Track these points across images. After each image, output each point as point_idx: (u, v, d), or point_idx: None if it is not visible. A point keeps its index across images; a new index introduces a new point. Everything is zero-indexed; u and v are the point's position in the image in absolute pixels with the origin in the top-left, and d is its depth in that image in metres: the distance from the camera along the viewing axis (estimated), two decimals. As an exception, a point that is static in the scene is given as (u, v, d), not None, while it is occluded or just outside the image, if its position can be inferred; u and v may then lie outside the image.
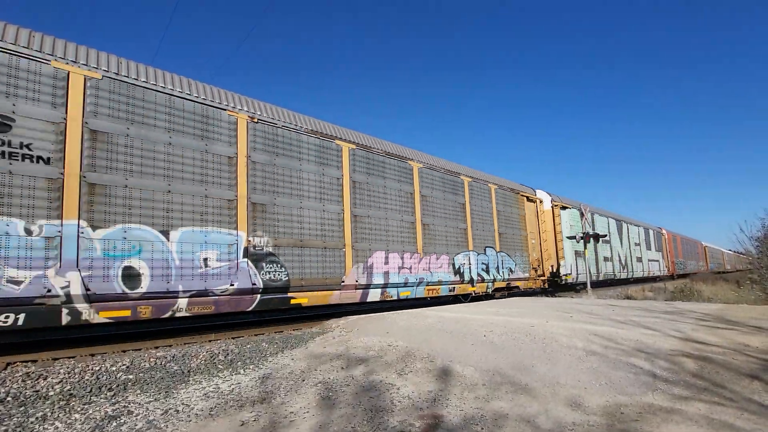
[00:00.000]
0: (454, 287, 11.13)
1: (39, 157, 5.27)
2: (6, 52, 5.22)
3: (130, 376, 4.58)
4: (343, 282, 8.39)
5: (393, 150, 10.38)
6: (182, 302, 6.20)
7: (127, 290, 5.73)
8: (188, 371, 4.80)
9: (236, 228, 6.99)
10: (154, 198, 6.16)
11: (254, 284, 7.06)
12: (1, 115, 5.06)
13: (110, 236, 5.68)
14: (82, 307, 5.36)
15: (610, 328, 5.93)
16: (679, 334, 5.51)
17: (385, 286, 9.22)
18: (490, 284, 12.46)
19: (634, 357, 4.64)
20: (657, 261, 26.55)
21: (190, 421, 3.36)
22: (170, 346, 6.28)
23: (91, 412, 3.56)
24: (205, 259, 6.53)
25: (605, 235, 19.26)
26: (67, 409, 3.61)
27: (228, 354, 5.54)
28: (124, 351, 5.86)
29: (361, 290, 8.73)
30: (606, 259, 20.24)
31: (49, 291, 5.13)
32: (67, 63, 5.70)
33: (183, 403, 3.74)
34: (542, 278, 14.95)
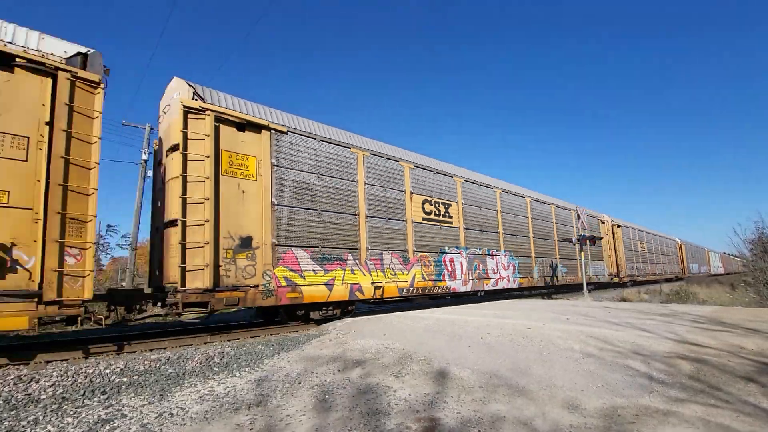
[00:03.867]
0: None
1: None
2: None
3: (124, 379, 4.53)
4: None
5: None
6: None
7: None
8: (183, 374, 4.75)
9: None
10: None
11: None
12: None
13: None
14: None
15: (606, 331, 5.93)
16: (674, 337, 5.52)
17: None
18: None
19: (631, 359, 4.64)
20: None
21: (185, 424, 3.33)
22: (165, 348, 6.23)
23: (84, 415, 3.51)
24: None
25: (601, 238, 19.29)
26: (60, 413, 3.56)
27: (223, 356, 5.50)
28: (118, 353, 5.81)
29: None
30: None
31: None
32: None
33: (178, 407, 3.70)
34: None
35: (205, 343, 6.62)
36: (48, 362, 5.21)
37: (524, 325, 6.52)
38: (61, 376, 4.51)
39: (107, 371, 4.74)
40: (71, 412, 3.58)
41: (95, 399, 3.93)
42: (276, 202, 7.93)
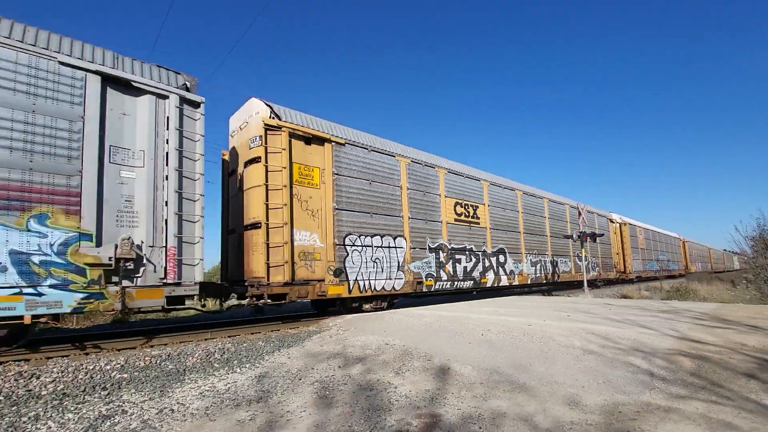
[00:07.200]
0: None
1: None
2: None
3: (125, 375, 4.53)
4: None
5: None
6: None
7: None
8: (184, 370, 4.75)
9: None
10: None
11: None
12: None
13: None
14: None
15: (607, 327, 5.93)
16: (675, 333, 5.51)
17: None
18: None
19: (632, 356, 4.63)
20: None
21: (186, 420, 3.32)
22: (165, 344, 6.24)
23: (84, 411, 3.52)
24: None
25: (602, 234, 19.30)
26: (60, 409, 3.56)
27: (224, 352, 5.50)
28: (119, 350, 5.81)
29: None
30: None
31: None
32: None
33: (178, 403, 3.70)
34: None
35: (205, 340, 6.62)
36: (48, 358, 5.21)
37: (525, 322, 6.52)
38: (62, 372, 4.51)
39: (108, 367, 4.74)
40: (72, 408, 3.58)
41: (96, 395, 3.93)
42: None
